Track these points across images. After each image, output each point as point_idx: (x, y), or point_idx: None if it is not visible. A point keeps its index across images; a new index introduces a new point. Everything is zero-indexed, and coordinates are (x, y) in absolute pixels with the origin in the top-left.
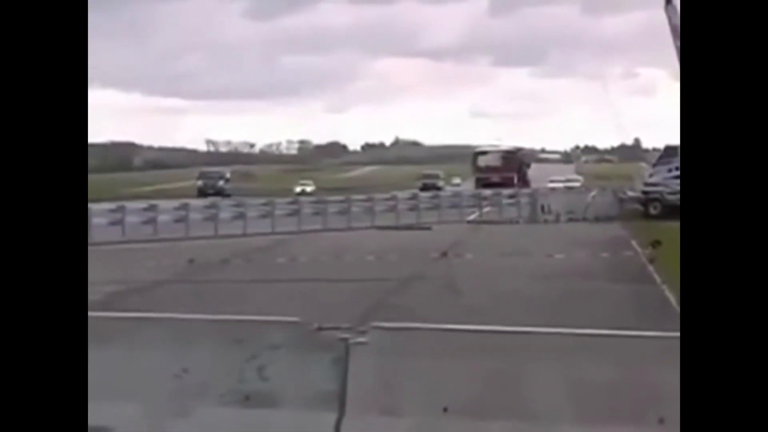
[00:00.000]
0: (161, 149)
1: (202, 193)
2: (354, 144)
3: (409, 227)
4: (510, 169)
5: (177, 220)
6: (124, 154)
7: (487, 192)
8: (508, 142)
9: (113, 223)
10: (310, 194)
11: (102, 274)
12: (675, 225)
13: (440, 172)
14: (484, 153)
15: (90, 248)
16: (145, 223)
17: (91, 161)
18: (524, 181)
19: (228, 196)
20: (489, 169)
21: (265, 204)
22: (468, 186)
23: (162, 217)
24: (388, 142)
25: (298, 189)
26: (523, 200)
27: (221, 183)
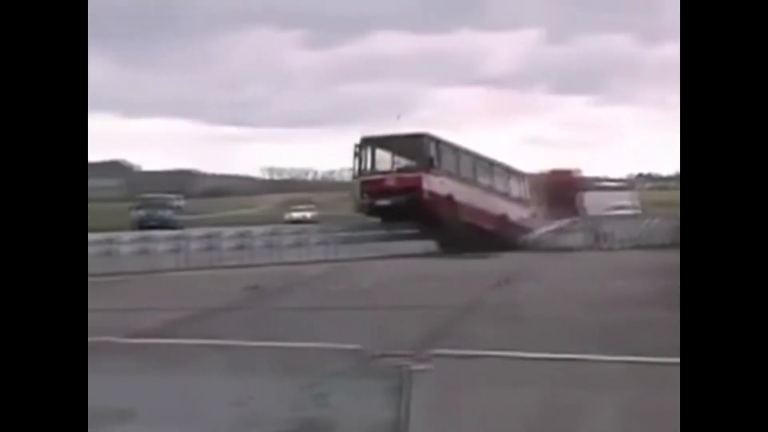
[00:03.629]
0: (221, 177)
1: (141, 225)
2: None
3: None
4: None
5: (239, 247)
6: (185, 182)
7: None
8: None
9: (174, 251)
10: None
11: (164, 302)
12: None
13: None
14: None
15: (152, 276)
16: (206, 250)
17: (154, 188)
18: (578, 208)
19: (175, 228)
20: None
21: (323, 231)
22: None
23: (225, 244)
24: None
25: (286, 216)
26: (579, 227)
27: (167, 213)
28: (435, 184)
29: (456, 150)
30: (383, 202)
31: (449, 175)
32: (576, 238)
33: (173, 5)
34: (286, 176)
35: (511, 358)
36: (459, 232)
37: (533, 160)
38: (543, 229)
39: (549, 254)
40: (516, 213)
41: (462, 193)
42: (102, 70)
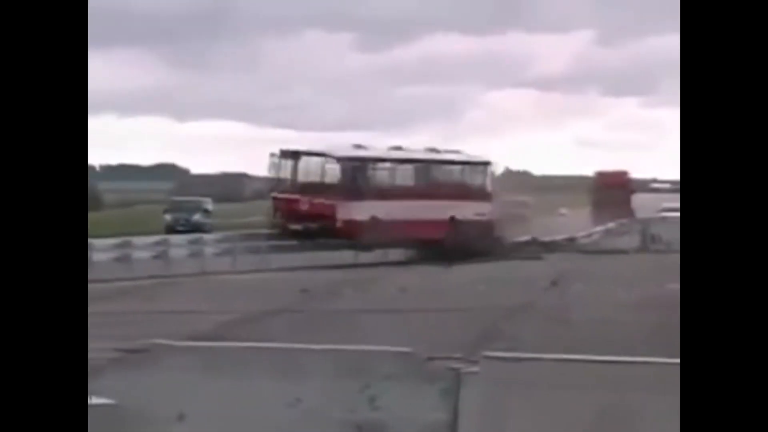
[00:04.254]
0: (271, 179)
1: (172, 229)
2: None
3: (521, 257)
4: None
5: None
6: (234, 185)
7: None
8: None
9: (223, 253)
10: None
11: (214, 304)
12: None
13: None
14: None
15: (202, 278)
16: (256, 252)
17: (204, 191)
18: (628, 210)
19: (205, 232)
20: None
21: None
22: (578, 218)
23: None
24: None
25: None
26: (629, 229)
27: (197, 216)
28: (353, 209)
29: (383, 163)
30: (295, 226)
31: (373, 194)
32: (626, 240)
33: (226, 8)
34: None
35: (563, 360)
36: (390, 247)
37: (583, 163)
38: (592, 230)
39: (598, 256)
40: (470, 211)
41: (391, 210)
42: (155, 73)
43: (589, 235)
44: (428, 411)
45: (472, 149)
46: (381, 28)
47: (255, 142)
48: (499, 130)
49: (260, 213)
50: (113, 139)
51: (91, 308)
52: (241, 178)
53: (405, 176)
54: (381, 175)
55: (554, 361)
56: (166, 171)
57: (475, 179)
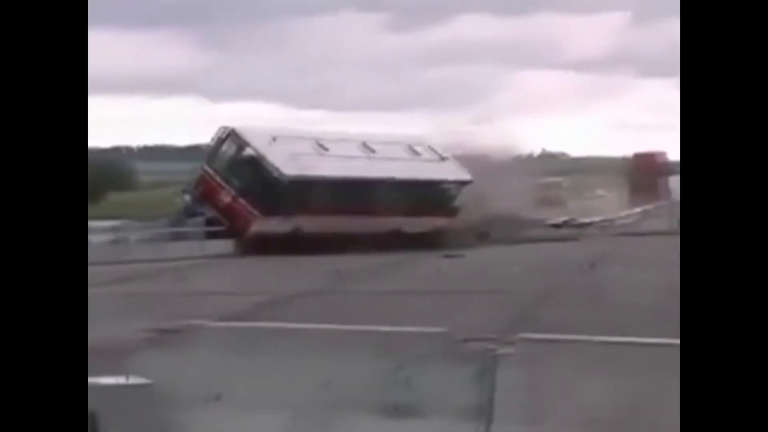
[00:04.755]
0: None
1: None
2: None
3: (557, 238)
4: None
5: None
6: None
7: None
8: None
9: None
10: None
11: (252, 286)
12: None
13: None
14: None
15: (239, 260)
16: None
17: None
18: (664, 192)
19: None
20: None
21: None
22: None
23: None
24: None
25: None
26: (665, 212)
27: None
28: (272, 223)
29: (323, 177)
30: (207, 214)
31: (301, 210)
32: (664, 222)
33: None
34: None
35: (599, 343)
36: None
37: (619, 144)
38: (629, 212)
39: (636, 238)
40: (421, 225)
41: (319, 225)
42: (188, 55)
43: (627, 217)
44: (463, 392)
45: (506, 129)
46: (412, 8)
47: (286, 124)
48: (533, 111)
49: None
50: (147, 120)
51: (127, 288)
52: None
53: (347, 183)
54: (315, 183)
55: (590, 344)
56: (197, 153)
57: (433, 177)
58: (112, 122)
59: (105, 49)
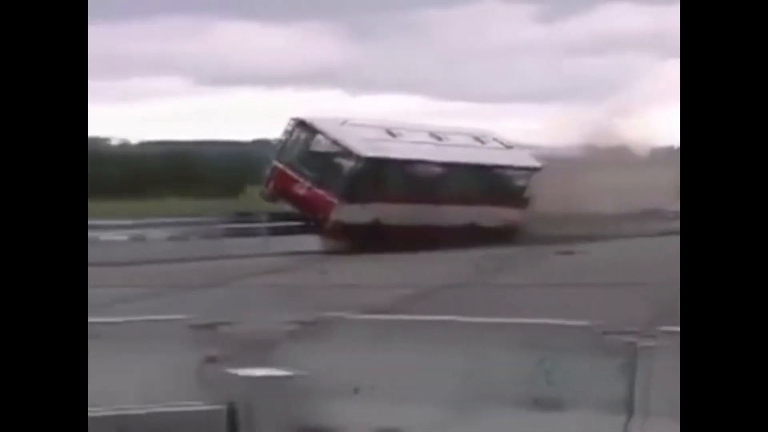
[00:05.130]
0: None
1: None
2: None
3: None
4: None
5: None
6: None
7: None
8: None
9: None
10: None
11: (394, 279)
12: None
13: None
14: None
15: (349, 256)
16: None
17: None
18: None
19: None
20: None
21: None
22: None
23: None
24: (675, 145)
25: None
26: None
27: None
28: (352, 211)
29: (398, 159)
30: (288, 208)
31: (379, 196)
32: None
33: None
34: None
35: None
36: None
37: None
38: None
39: None
40: (495, 217)
41: (398, 214)
42: (329, 47)
43: None
44: (604, 384)
45: (648, 119)
46: None
47: (431, 115)
48: (673, 103)
49: None
50: (290, 113)
51: (265, 280)
52: None
53: (422, 176)
54: (394, 173)
55: None
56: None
57: (507, 175)
58: (255, 115)
59: (247, 42)
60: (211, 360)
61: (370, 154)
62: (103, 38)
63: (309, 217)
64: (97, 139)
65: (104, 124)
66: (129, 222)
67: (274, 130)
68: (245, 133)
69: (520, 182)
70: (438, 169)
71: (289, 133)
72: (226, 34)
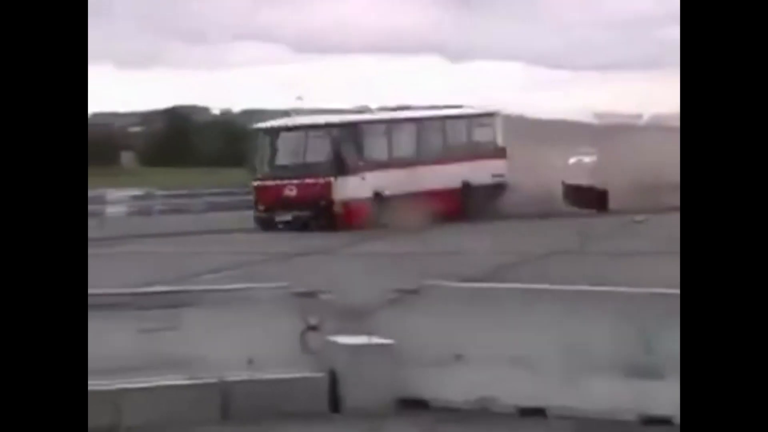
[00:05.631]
0: (549, 122)
1: None
2: None
3: None
4: None
5: None
6: (507, 126)
7: None
8: None
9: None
10: None
11: (495, 246)
12: None
13: None
14: None
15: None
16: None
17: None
18: None
19: None
20: None
21: None
22: None
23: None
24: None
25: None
26: None
27: None
28: (351, 186)
29: (383, 125)
30: (283, 218)
31: (373, 165)
32: None
33: None
34: (614, 120)
35: None
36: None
37: None
38: None
39: None
40: (483, 171)
41: (396, 182)
42: (428, 16)
43: None
44: None
45: None
46: None
47: (534, 83)
48: None
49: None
50: (386, 81)
51: (361, 249)
52: (515, 118)
53: (409, 138)
54: (383, 140)
55: None
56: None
57: (484, 133)
58: (349, 83)
59: (336, 11)
60: (313, 328)
61: (343, 120)
62: (214, 9)
63: (313, 209)
64: (197, 108)
65: (204, 91)
66: (235, 189)
67: (374, 98)
68: (345, 101)
69: (484, 130)
70: (410, 127)
71: (255, 148)
72: (327, 4)
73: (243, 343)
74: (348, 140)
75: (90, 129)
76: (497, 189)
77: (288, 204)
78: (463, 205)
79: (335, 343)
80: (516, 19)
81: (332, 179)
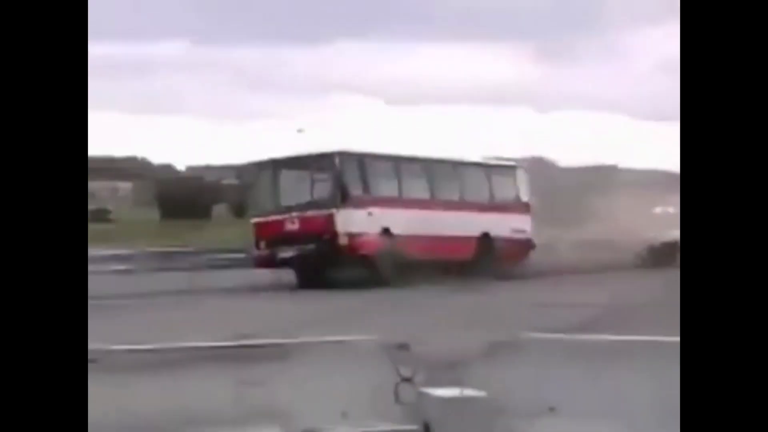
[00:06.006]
0: (641, 171)
1: None
2: None
3: None
4: None
5: None
6: (602, 178)
7: None
8: None
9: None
10: None
11: (578, 299)
12: None
13: None
14: None
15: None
16: None
17: (571, 185)
18: None
19: None
20: None
21: None
22: None
23: None
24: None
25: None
26: None
27: None
28: (357, 219)
29: (393, 161)
30: (285, 254)
31: (382, 201)
32: None
33: (593, 3)
34: None
35: None
36: (407, 271)
37: None
38: None
39: None
40: (505, 226)
41: (406, 222)
42: (515, 67)
43: None
44: None
45: None
46: None
47: (625, 134)
48: None
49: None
50: (475, 131)
51: (459, 300)
52: (612, 169)
53: (422, 178)
54: (392, 175)
55: None
56: (538, 165)
57: (508, 186)
58: (444, 132)
59: (433, 60)
60: (406, 380)
61: (346, 151)
62: (305, 60)
63: (317, 245)
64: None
65: (295, 142)
66: None
67: (462, 148)
68: (438, 151)
69: (505, 182)
70: (422, 166)
71: (251, 184)
72: (416, 56)
73: (337, 396)
74: (353, 173)
75: (183, 182)
76: (519, 241)
77: (290, 239)
78: (478, 256)
79: (428, 395)
80: (604, 70)
81: (335, 211)
